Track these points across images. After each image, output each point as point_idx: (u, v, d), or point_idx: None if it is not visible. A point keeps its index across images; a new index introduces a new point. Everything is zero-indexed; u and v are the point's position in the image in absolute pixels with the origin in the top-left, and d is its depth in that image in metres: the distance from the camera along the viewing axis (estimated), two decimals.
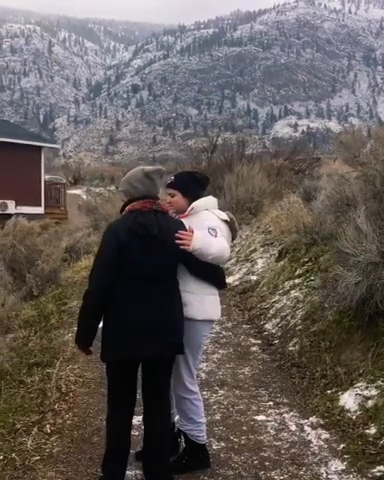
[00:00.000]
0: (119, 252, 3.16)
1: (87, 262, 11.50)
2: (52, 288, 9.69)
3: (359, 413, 4.13)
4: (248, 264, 10.90)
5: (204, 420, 3.72)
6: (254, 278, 9.73)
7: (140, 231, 3.21)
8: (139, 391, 3.43)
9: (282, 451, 3.87)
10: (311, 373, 5.18)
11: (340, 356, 5.05)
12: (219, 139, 26.87)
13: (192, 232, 3.21)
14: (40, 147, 27.38)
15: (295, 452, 3.85)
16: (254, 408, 4.67)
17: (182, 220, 3.54)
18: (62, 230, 19.13)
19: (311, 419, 4.34)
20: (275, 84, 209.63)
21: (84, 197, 36.43)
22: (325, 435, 4.05)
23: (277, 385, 5.21)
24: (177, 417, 3.75)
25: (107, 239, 3.25)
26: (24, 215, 15.33)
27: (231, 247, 13.57)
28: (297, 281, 7.47)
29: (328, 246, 7.14)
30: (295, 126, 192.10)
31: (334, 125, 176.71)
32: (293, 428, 4.25)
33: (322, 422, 4.25)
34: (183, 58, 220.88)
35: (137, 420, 4.08)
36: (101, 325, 3.30)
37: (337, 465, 3.60)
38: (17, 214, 16.35)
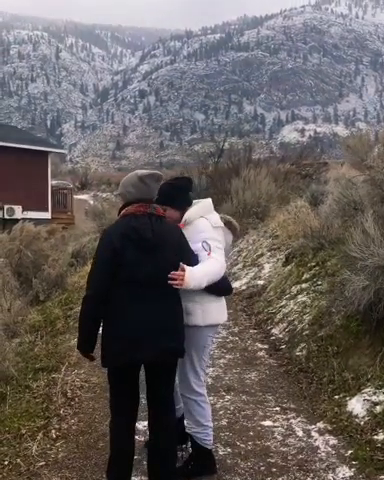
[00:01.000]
0: (114, 257, 3.17)
1: None
2: (58, 293, 9.69)
3: (367, 419, 4.08)
4: (255, 269, 10.87)
5: (211, 424, 3.69)
6: (261, 283, 9.70)
7: (133, 235, 3.20)
8: (144, 396, 3.41)
9: (289, 457, 3.83)
10: (318, 378, 5.14)
11: (348, 361, 5.00)
12: (226, 144, 26.88)
13: (183, 270, 3.18)
14: (47, 152, 27.47)
15: (302, 458, 3.81)
16: (261, 413, 4.63)
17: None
18: (69, 235, 19.15)
19: (319, 425, 4.30)
20: (282, 89, 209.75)
21: (91, 202, 36.49)
22: (333, 441, 4.00)
23: (284, 390, 5.17)
24: (186, 424, 3.74)
25: (102, 244, 3.28)
26: (31, 220, 15.32)
27: (237, 252, 13.59)
28: (304, 286, 7.43)
29: (335, 250, 7.11)
30: (302, 131, 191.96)
31: (341, 130, 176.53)
32: (300, 434, 4.21)
33: (330, 428, 4.21)
34: (190, 63, 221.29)
35: (143, 425, 4.05)
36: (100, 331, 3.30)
37: (345, 471, 3.56)
38: (24, 219, 16.37)
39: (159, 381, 3.34)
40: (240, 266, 11.88)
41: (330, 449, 3.90)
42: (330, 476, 3.53)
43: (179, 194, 3.67)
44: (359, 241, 5.14)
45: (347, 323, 5.41)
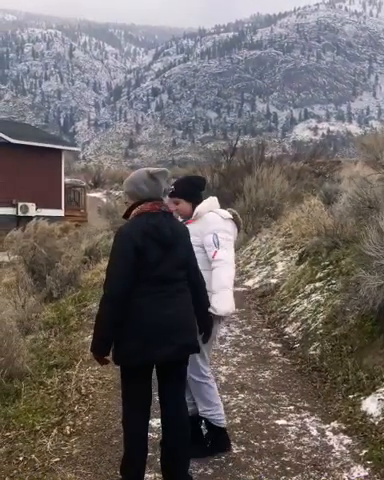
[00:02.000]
0: (136, 257, 3.11)
1: (107, 264, 11.52)
2: (72, 290, 9.71)
3: (382, 418, 4.06)
4: (268, 267, 10.85)
5: (220, 402, 3.93)
6: (274, 281, 9.68)
7: (155, 234, 3.16)
8: (156, 393, 3.41)
9: (303, 456, 3.82)
10: (333, 377, 5.12)
11: (362, 360, 4.98)
12: (238, 142, 26.85)
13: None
14: (60, 150, 27.60)
15: (317, 457, 3.79)
16: (275, 412, 4.62)
17: (190, 225, 3.76)
18: (82, 233, 19.20)
19: (333, 424, 4.28)
20: (295, 87, 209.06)
21: (104, 200, 36.62)
22: (347, 440, 3.99)
23: (298, 389, 5.16)
24: (198, 408, 3.87)
25: (122, 244, 3.18)
26: (44, 217, 15.39)
27: (250, 250, 13.54)
28: (318, 284, 7.40)
29: (350, 249, 7.07)
30: (315, 129, 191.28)
31: (354, 128, 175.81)
32: (314, 433, 4.19)
33: (344, 427, 4.19)
34: (203, 61, 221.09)
35: (156, 423, 4.06)
36: None
37: (360, 471, 3.54)
38: (38, 216, 16.44)
39: (172, 378, 3.33)
40: (253, 264, 11.87)
41: (344, 448, 3.88)
42: (345, 475, 3.52)
43: (196, 190, 3.95)
44: (374, 240, 5.12)
45: (361, 322, 5.38)
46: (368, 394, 4.43)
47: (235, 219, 3.99)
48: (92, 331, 3.38)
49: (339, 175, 17.29)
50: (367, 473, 3.50)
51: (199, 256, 3.55)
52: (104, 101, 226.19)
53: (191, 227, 3.67)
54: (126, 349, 3.16)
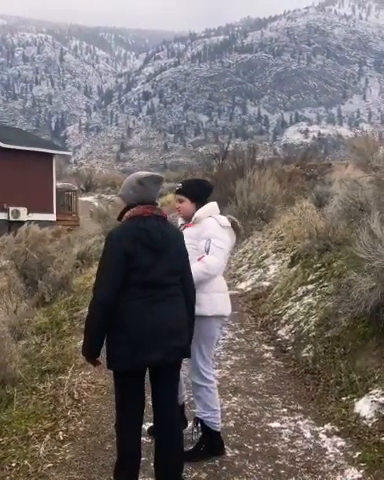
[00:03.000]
0: (125, 262, 3.11)
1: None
2: (64, 295, 9.69)
3: (375, 420, 4.07)
4: (260, 270, 10.86)
5: (219, 408, 3.92)
6: (266, 284, 9.69)
7: (145, 238, 3.16)
8: (149, 396, 3.40)
9: (297, 459, 3.82)
10: (325, 380, 5.12)
11: (355, 363, 4.99)
12: (230, 145, 26.89)
13: None
14: (52, 154, 27.49)
15: (310, 460, 3.80)
16: (268, 415, 4.62)
17: (189, 228, 3.86)
18: (74, 237, 19.15)
19: (326, 426, 4.29)
20: (286, 90, 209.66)
21: (96, 204, 36.54)
22: (340, 443, 3.99)
23: (291, 392, 5.17)
24: (196, 409, 3.90)
25: (111, 248, 3.18)
26: (36, 222, 15.35)
27: (242, 253, 13.55)
28: (310, 287, 7.42)
29: (341, 251, 7.09)
30: (306, 132, 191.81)
31: (345, 131, 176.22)
32: (308, 435, 4.19)
33: (337, 429, 4.20)
34: (194, 65, 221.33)
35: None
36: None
37: (353, 473, 3.54)
38: (29, 221, 16.39)
39: (164, 380, 3.32)
40: (245, 267, 11.88)
41: (338, 451, 3.89)
42: (338, 478, 3.52)
43: (202, 193, 4.01)
44: (366, 242, 5.13)
45: (354, 324, 5.39)
46: (361, 396, 4.44)
47: (234, 226, 4.01)
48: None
49: (330, 178, 17.32)
50: (361, 475, 3.51)
51: (195, 260, 3.59)
52: (95, 105, 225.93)
53: (189, 231, 3.73)
54: (117, 354, 3.16)
